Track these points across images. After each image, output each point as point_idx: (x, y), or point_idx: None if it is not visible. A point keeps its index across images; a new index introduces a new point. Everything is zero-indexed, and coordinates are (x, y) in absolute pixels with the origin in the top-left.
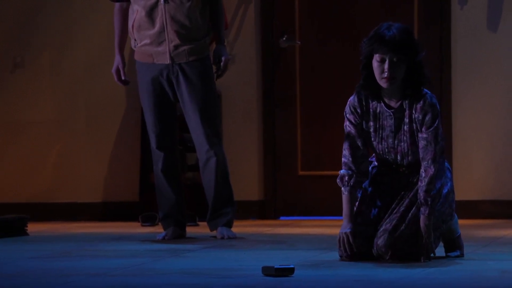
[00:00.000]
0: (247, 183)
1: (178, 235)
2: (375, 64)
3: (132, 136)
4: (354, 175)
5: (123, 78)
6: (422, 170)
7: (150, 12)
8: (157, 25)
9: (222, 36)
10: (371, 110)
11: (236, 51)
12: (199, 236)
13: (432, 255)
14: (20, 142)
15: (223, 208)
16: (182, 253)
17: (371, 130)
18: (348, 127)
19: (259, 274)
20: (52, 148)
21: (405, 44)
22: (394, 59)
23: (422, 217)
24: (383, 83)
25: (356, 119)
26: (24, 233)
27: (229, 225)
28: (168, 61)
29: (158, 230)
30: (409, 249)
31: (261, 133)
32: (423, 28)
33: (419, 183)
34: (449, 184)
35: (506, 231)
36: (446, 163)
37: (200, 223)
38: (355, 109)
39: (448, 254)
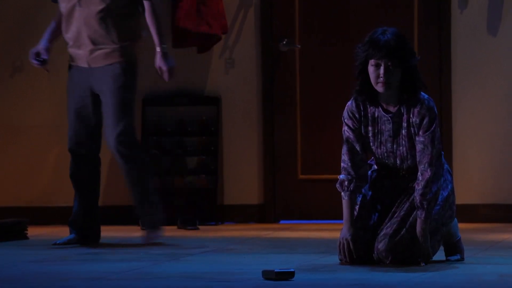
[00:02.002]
0: (246, 187)
1: (77, 242)
2: (370, 69)
3: None
4: (354, 180)
5: (42, 57)
6: (418, 173)
7: (69, 17)
8: (74, 29)
9: (160, 41)
10: (369, 114)
11: (236, 54)
12: (198, 240)
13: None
14: (19, 145)
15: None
16: (182, 256)
17: (370, 134)
18: (346, 132)
19: (259, 277)
20: (51, 151)
21: (400, 49)
22: (389, 64)
23: (418, 221)
24: (379, 88)
25: (354, 124)
26: (23, 236)
27: (153, 226)
28: (86, 65)
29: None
30: (409, 253)
31: (261, 137)
32: (422, 30)
33: (416, 186)
34: (449, 186)
35: (505, 235)
36: (446, 165)
37: (200, 226)
38: (353, 114)
39: (448, 258)
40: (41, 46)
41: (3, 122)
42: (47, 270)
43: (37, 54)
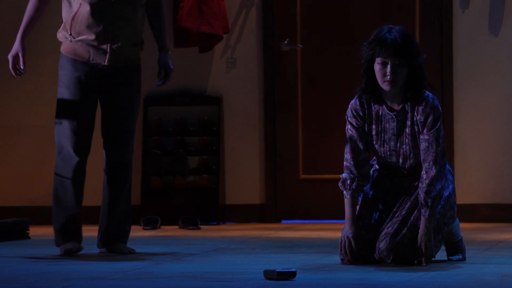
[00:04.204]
0: (248, 187)
1: (77, 249)
2: (377, 67)
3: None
4: (356, 179)
5: (21, 66)
6: (423, 171)
7: (96, 8)
8: (103, 23)
9: (167, 45)
10: (373, 113)
11: (237, 54)
12: (200, 240)
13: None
14: (21, 146)
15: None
16: (183, 256)
17: (373, 133)
18: (350, 130)
19: (260, 277)
20: (52, 151)
21: (407, 47)
22: (396, 62)
23: (422, 219)
24: (385, 86)
25: (358, 123)
26: (25, 236)
27: (126, 242)
28: (105, 62)
29: (159, 233)
30: (410, 252)
31: (263, 136)
32: (424, 32)
33: (420, 184)
34: (450, 186)
35: (506, 235)
36: (447, 165)
37: (201, 226)
38: (357, 112)
39: (450, 257)
40: (17, 50)
41: (4, 122)
42: (47, 270)
43: (16, 62)
